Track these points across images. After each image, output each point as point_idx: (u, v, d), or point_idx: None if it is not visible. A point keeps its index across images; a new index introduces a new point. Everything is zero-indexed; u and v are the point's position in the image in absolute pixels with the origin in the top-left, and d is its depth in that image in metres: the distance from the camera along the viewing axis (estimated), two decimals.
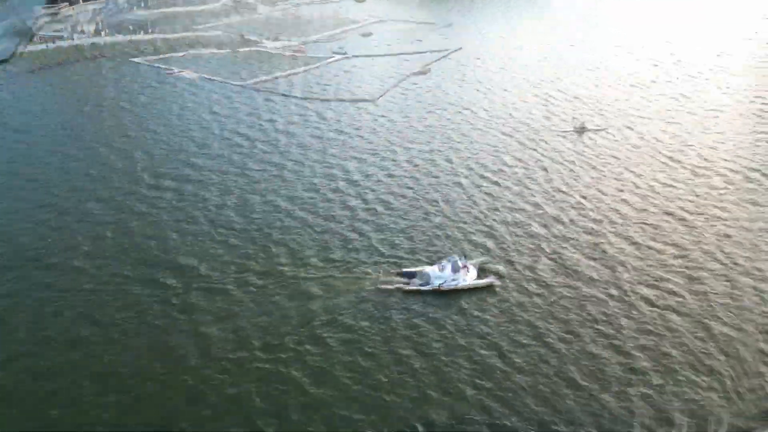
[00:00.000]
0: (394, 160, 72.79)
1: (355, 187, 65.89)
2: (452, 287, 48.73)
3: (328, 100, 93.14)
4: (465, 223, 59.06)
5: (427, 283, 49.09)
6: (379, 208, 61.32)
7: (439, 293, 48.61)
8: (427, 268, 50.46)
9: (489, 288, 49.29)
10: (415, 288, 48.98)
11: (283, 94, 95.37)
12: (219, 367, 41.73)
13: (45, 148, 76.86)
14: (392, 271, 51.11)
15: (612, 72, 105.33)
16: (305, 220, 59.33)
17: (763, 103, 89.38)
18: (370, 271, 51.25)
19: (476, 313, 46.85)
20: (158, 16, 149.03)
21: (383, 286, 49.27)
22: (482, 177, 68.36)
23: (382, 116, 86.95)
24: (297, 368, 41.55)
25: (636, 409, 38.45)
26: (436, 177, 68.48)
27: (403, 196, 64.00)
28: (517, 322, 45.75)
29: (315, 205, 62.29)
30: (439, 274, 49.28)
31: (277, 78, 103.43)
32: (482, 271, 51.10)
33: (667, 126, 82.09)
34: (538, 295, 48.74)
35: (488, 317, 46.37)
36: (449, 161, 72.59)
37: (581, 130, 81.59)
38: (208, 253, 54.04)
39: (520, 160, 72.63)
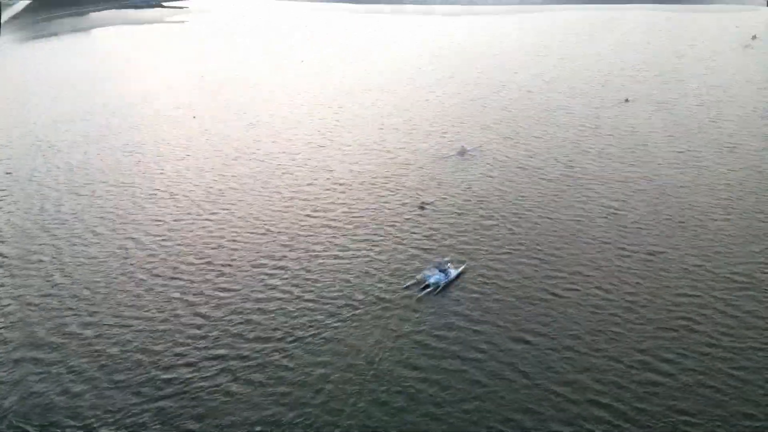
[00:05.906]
0: None
1: None
2: (446, 282, 63.98)
3: None
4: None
5: (428, 286, 63.17)
6: None
7: (441, 289, 62.78)
8: (418, 276, 64.09)
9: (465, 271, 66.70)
10: (423, 294, 62.22)
11: None
12: None
13: None
14: (403, 286, 63.34)
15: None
16: None
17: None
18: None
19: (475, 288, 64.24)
20: None
21: (420, 294, 61.58)
22: None
23: None
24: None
25: None
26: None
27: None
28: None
29: None
30: (433, 277, 63.29)
31: None
32: (456, 263, 67.52)
33: None
34: (495, 269, 68.93)
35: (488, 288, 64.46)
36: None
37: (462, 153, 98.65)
38: None
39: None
